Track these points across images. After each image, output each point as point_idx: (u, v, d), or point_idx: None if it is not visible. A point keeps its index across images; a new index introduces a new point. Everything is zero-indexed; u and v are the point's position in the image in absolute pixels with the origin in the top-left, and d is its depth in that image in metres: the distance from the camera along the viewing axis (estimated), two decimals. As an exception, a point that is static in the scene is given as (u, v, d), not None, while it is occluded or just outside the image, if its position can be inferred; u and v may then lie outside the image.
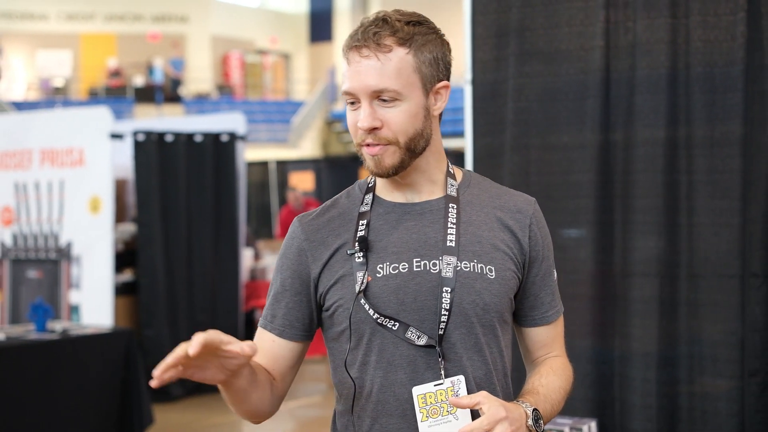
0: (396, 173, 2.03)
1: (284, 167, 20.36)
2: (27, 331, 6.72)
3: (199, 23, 34.12)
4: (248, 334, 10.33)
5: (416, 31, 2.01)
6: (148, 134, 9.04)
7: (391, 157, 2.01)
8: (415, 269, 2.02)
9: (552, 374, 2.12)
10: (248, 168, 19.15)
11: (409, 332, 2.00)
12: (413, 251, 2.03)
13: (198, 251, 9.32)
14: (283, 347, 2.13)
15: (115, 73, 32.59)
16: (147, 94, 31.29)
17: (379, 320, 2.01)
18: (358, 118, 2.00)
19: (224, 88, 33.84)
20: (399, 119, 1.99)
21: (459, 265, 2.02)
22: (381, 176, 2.04)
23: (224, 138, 9.49)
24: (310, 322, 2.13)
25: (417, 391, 2.00)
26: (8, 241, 8.87)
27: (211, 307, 9.41)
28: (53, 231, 8.64)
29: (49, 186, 8.66)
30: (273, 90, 35.96)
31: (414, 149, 2.02)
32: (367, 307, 2.01)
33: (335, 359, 2.11)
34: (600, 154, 3.89)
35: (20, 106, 28.47)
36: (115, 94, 31.37)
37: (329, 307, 2.08)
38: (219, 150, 9.45)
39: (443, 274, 2.01)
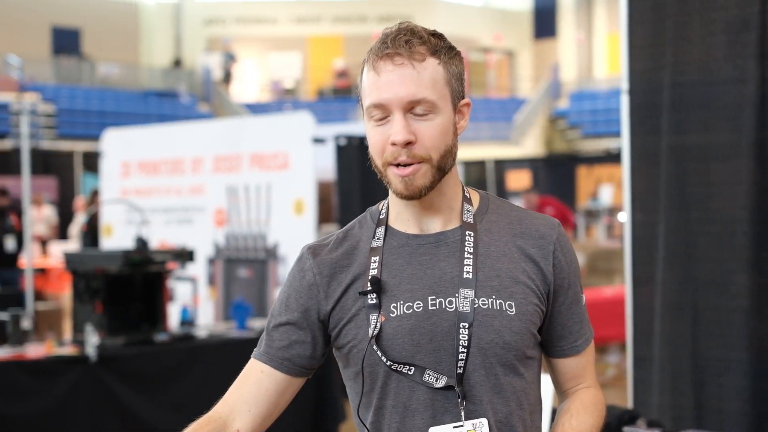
0: (425, 195, 1.89)
1: (501, 166, 20.37)
2: (229, 328, 7.09)
3: (423, 22, 34.04)
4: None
5: (442, 45, 1.92)
6: (349, 138, 9.30)
7: (423, 178, 1.87)
8: (430, 308, 1.90)
9: (583, 412, 1.99)
10: (465, 167, 19.38)
11: (426, 375, 1.89)
12: (428, 288, 1.91)
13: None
14: (272, 380, 2.01)
15: (342, 74, 33.42)
16: (373, 93, 31.91)
17: (393, 367, 1.90)
18: (388, 134, 1.86)
19: (450, 87, 34.14)
20: (433, 133, 1.86)
21: (477, 301, 1.88)
22: (410, 199, 1.89)
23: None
24: (308, 360, 2.02)
25: (443, 429, 1.89)
26: (221, 241, 9.32)
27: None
28: (261, 232, 9.03)
29: (258, 189, 9.05)
30: (497, 87, 36.00)
31: (444, 168, 1.89)
32: (379, 353, 1.90)
33: (353, 400, 2.01)
34: (758, 164, 3.80)
35: (253, 108, 29.60)
36: (342, 95, 32.19)
37: (343, 346, 1.98)
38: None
39: (460, 309, 1.88)
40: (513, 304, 1.90)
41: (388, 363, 1.90)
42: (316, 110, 30.25)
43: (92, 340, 6.10)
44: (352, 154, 9.28)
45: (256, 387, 2.01)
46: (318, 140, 8.94)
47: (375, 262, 1.95)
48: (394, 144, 1.85)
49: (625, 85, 4.11)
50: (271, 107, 29.50)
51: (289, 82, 33.78)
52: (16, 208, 11.93)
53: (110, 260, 6.43)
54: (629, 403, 4.18)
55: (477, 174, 20.38)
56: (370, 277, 1.93)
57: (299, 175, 8.86)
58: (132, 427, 6.14)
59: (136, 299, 6.61)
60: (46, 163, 21.69)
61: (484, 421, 1.88)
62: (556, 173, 19.70)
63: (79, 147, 21.82)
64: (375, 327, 1.90)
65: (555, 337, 2.02)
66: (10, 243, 11.79)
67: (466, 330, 1.87)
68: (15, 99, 24.74)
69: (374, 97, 1.88)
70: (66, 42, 32.05)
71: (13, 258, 11.92)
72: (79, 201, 16.04)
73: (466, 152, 25.08)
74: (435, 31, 1.96)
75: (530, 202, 12.97)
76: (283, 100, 32.18)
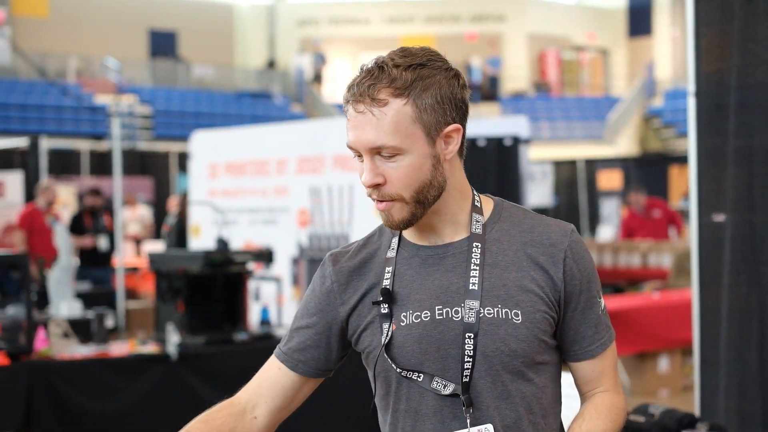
0: (408, 226, 1.96)
1: (592, 166, 20.20)
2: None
3: (516, 22, 34.40)
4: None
5: (417, 76, 1.90)
6: (432, 139, 9.35)
7: (400, 212, 1.93)
8: (437, 317, 1.96)
9: (596, 417, 2.01)
10: (556, 167, 19.24)
11: (435, 382, 1.95)
12: (435, 298, 1.97)
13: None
14: (287, 378, 2.12)
15: (439, 74, 33.44)
16: (464, 94, 31.91)
17: (402, 374, 1.98)
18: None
19: (541, 86, 33.96)
20: (401, 174, 1.90)
21: (482, 311, 1.93)
22: (395, 230, 1.99)
23: (507, 142, 9.64)
24: (323, 363, 2.11)
25: None
26: (305, 241, 9.43)
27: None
28: (344, 232, 9.11)
29: (341, 190, 9.14)
30: (590, 86, 35.67)
31: (424, 201, 1.93)
32: (390, 361, 1.98)
33: (375, 400, 2.11)
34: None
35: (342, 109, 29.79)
36: (435, 94, 32.21)
37: (362, 351, 2.07)
38: (502, 154, 9.60)
39: (465, 319, 1.93)
40: (519, 312, 1.93)
41: (398, 370, 1.98)
42: (408, 110, 30.35)
43: (173, 338, 6.25)
44: (434, 155, 9.34)
45: (273, 382, 2.13)
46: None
47: (388, 272, 2.02)
48: (365, 185, 1.93)
49: (691, 87, 4.08)
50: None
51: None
52: (110, 209, 12.21)
53: (192, 261, 6.58)
54: (696, 408, 4.14)
55: (567, 174, 20.25)
56: (381, 288, 2.00)
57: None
58: None
59: (217, 299, 6.74)
60: (142, 163, 22.17)
61: (490, 427, 1.93)
62: (648, 173, 19.45)
63: (175, 148, 22.22)
64: (386, 335, 1.98)
65: (568, 342, 2.04)
66: (103, 242, 12.07)
67: (472, 340, 1.92)
68: (113, 101, 25.30)
69: (347, 139, 1.94)
70: (162, 44, 32.66)
71: (106, 257, 12.19)
72: (173, 201, 16.34)
73: (557, 151, 24.93)
74: (421, 57, 1.93)
75: (638, 203, 12.70)
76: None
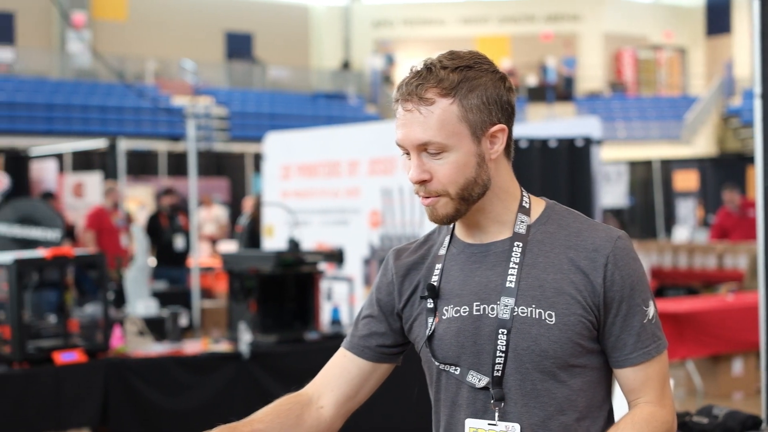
0: (452, 221, 2.04)
1: (668, 166, 19.98)
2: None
3: (591, 21, 34.16)
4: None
5: (463, 77, 1.97)
6: (503, 140, 9.36)
7: (444, 208, 2.00)
8: (474, 313, 2.03)
9: (630, 428, 1.99)
10: (630, 167, 19.08)
11: (470, 375, 2.03)
12: (474, 295, 2.04)
13: (552, 254, 9.50)
14: (354, 365, 2.20)
15: (509, 74, 33.20)
16: (539, 94, 31.81)
17: (440, 367, 2.07)
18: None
19: (616, 86, 33.68)
20: (447, 171, 1.97)
21: (516, 309, 1.98)
22: (439, 224, 2.06)
23: (579, 143, 9.59)
24: (388, 348, 2.20)
25: (470, 423, 2.04)
26: (376, 242, 9.50)
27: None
28: (415, 233, 9.16)
29: (411, 191, 9.16)
30: (668, 85, 35.28)
31: (468, 198, 2.00)
32: (430, 354, 2.08)
33: None
34: None
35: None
36: (509, 95, 32.14)
37: (413, 341, 2.17)
38: (574, 155, 9.56)
39: (500, 315, 1.99)
40: (553, 313, 1.97)
41: (437, 363, 2.08)
42: (483, 110, 30.34)
43: (246, 337, 6.36)
44: (506, 156, 9.34)
45: (339, 370, 2.21)
46: (471, 143, 9.01)
47: (437, 269, 2.12)
48: (412, 181, 2.02)
49: (758, 89, 4.05)
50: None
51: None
52: (185, 208, 12.40)
53: (264, 261, 6.68)
54: (762, 411, 4.12)
55: (643, 174, 20.07)
56: (427, 284, 2.10)
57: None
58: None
59: (288, 298, 6.83)
60: (218, 164, 22.47)
61: (517, 427, 1.99)
62: (726, 173, 19.16)
63: (250, 149, 22.46)
64: (429, 329, 2.08)
65: (610, 348, 2.05)
66: (179, 242, 12.27)
67: (504, 336, 1.99)
68: (189, 103, 25.64)
69: (395, 136, 2.02)
70: (239, 46, 33.01)
71: (181, 257, 12.39)
72: (248, 202, 16.53)
73: (633, 152, 24.70)
74: (468, 59, 2.01)
75: (733, 202, 12.37)
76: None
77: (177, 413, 6.06)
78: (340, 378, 2.21)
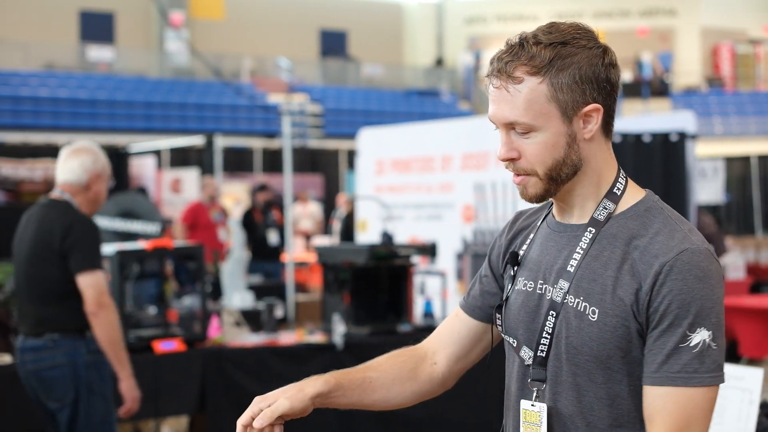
0: (543, 200, 1.99)
1: (766, 162, 19.64)
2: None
3: (687, 16, 33.67)
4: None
5: (556, 54, 1.89)
6: (596, 135, 9.33)
7: (534, 187, 1.96)
8: (537, 290, 2.01)
9: None
10: (728, 163, 18.79)
11: (523, 350, 2.02)
12: (541, 272, 2.01)
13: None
14: (464, 325, 2.20)
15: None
16: (634, 90, 31.46)
17: (503, 335, 2.09)
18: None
19: (714, 81, 33.13)
20: (535, 150, 1.92)
21: (568, 296, 1.94)
22: (530, 202, 2.02)
23: (674, 138, 9.51)
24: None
25: (524, 404, 2.02)
26: (469, 236, 9.54)
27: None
28: (508, 228, 9.19)
29: (504, 186, 9.20)
30: (766, 80, 34.59)
31: (557, 178, 1.94)
32: (498, 321, 2.10)
33: None
34: None
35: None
36: (604, 90, 31.87)
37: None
38: (668, 149, 9.49)
39: (553, 297, 1.96)
40: (597, 311, 1.90)
41: (502, 331, 2.09)
42: (577, 106, 30.14)
43: (339, 329, 6.47)
44: (599, 151, 9.31)
45: (450, 329, 2.23)
46: (563, 137, 9.00)
47: (529, 239, 2.10)
48: (500, 159, 1.98)
49: None
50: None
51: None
52: (280, 204, 12.58)
53: (357, 254, 6.78)
54: None
55: (740, 170, 19.77)
56: (510, 252, 2.11)
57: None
58: (377, 413, 6.46)
59: (381, 291, 6.92)
60: (313, 161, 22.70)
61: (544, 406, 1.97)
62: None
63: (344, 145, 22.65)
64: (504, 296, 2.09)
65: (642, 360, 1.93)
66: (272, 236, 12.46)
67: (553, 318, 1.96)
68: (285, 100, 25.93)
69: (488, 111, 1.98)
70: (333, 44, 33.28)
71: (275, 251, 12.57)
72: (341, 197, 16.69)
73: (730, 148, 24.31)
74: (566, 34, 1.92)
75: None
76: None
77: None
78: (452, 336, 2.22)
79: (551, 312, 1.96)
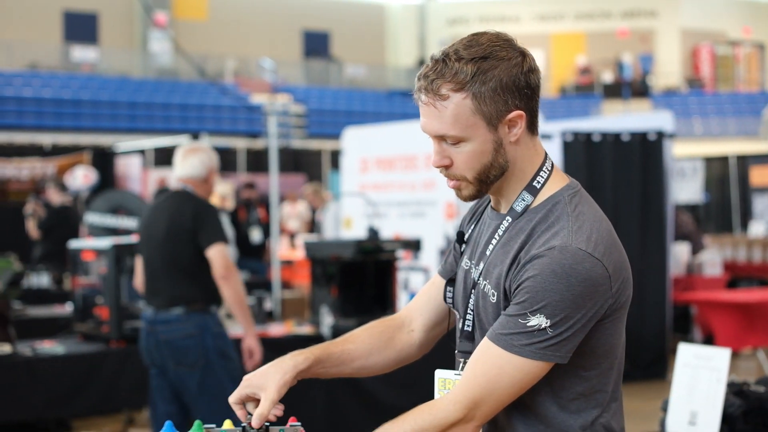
0: (476, 199, 2.16)
1: (745, 162, 19.91)
2: (454, 314, 7.51)
3: (668, 17, 34.03)
4: (679, 326, 10.51)
5: (477, 69, 2.01)
6: (576, 134, 9.55)
7: (466, 190, 2.11)
8: (468, 269, 2.19)
9: (401, 422, 2.04)
10: (707, 163, 19.07)
11: (459, 322, 2.20)
12: (475, 253, 2.18)
13: (625, 245, 9.59)
14: (439, 289, 2.34)
15: (584, 71, 33.36)
16: (615, 90, 31.77)
17: (451, 307, 2.28)
18: None
19: (693, 82, 33.48)
20: (464, 158, 2.06)
21: (480, 278, 2.13)
22: (466, 202, 2.17)
23: (651, 137, 9.74)
24: None
25: (439, 374, 2.19)
26: (451, 233, 9.74)
27: (638, 300, 9.70)
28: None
29: (486, 183, 9.42)
30: (746, 81, 34.97)
31: (486, 180, 2.09)
32: (449, 295, 2.26)
33: None
34: None
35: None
36: (584, 91, 32.18)
37: None
38: (646, 148, 9.71)
39: (474, 276, 2.15)
40: (495, 293, 2.09)
41: (451, 304, 2.26)
42: (558, 107, 30.46)
43: (327, 320, 6.66)
44: (579, 150, 9.52)
45: (428, 296, 2.39)
46: (544, 136, 9.22)
47: (477, 220, 2.28)
48: (434, 166, 2.11)
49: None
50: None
51: (532, 79, 34.03)
52: (266, 203, 12.76)
53: (344, 248, 6.97)
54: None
55: (719, 170, 20.03)
56: (458, 230, 2.31)
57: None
58: (363, 401, 6.67)
59: (368, 284, 7.11)
60: (296, 161, 22.85)
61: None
62: (804, 169, 19.09)
63: (327, 146, 22.83)
64: (455, 271, 2.27)
65: None
66: (255, 234, 12.63)
67: (474, 295, 2.15)
68: (268, 100, 26.11)
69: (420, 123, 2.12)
70: (316, 45, 33.49)
71: (258, 249, 12.72)
72: (326, 197, 16.86)
73: (710, 148, 24.60)
74: (482, 49, 2.03)
75: None
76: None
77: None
78: (429, 303, 2.37)
79: (472, 290, 2.15)
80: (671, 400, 3.70)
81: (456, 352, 2.18)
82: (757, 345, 8.95)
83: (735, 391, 3.73)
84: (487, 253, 2.12)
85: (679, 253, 10.90)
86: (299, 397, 6.54)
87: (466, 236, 2.27)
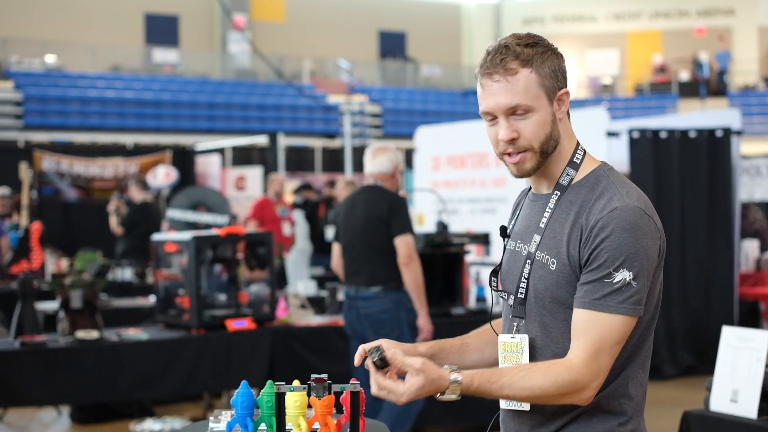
0: (534, 173, 2.39)
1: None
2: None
3: (745, 15, 33.71)
4: (747, 321, 10.56)
5: (535, 52, 2.33)
6: (643, 132, 9.68)
7: (530, 161, 2.35)
8: (517, 249, 2.45)
9: (525, 369, 2.28)
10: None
11: (510, 299, 2.44)
12: (520, 235, 2.45)
13: (691, 240, 9.77)
14: None
15: (661, 69, 33.18)
16: (691, 89, 31.55)
17: (497, 293, 2.52)
18: (498, 133, 2.35)
19: (772, 80, 33.13)
20: (532, 128, 2.33)
21: (537, 251, 2.37)
22: (522, 178, 2.41)
23: (719, 133, 9.82)
24: None
25: (504, 338, 2.43)
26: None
27: (704, 294, 9.81)
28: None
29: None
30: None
31: (546, 151, 2.36)
32: (494, 284, 2.52)
33: None
34: None
35: (569, 105, 29.98)
36: (660, 90, 31.99)
37: None
38: (713, 145, 9.80)
39: (530, 249, 2.39)
40: (555, 262, 2.34)
41: (497, 290, 2.53)
42: (634, 106, 30.35)
43: (397, 311, 6.91)
44: (646, 146, 9.66)
45: None
46: (612, 134, 9.38)
47: (517, 213, 2.56)
48: (503, 140, 2.35)
49: None
50: (589, 103, 29.82)
51: (606, 78, 33.93)
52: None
53: (415, 242, 7.21)
54: None
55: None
56: (501, 226, 2.56)
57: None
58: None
59: (437, 276, 7.34)
60: (372, 160, 23.11)
61: (525, 336, 2.39)
62: None
63: (403, 145, 23.02)
64: (499, 262, 2.55)
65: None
66: (330, 232, 12.92)
67: (529, 265, 2.39)
68: (345, 100, 26.46)
69: (483, 106, 2.38)
70: (392, 45, 33.78)
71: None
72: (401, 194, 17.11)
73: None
74: (532, 38, 2.36)
75: None
76: (601, 96, 32.40)
77: (334, 376, 6.64)
78: None
79: (528, 261, 2.39)
80: (715, 379, 3.91)
81: (510, 317, 2.42)
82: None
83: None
84: (542, 226, 2.37)
85: (749, 249, 10.95)
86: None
87: (509, 230, 2.53)
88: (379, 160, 6.39)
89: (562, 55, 2.40)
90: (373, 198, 6.29)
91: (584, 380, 2.25)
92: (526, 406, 2.38)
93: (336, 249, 6.59)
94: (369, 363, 2.27)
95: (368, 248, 6.27)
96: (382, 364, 2.26)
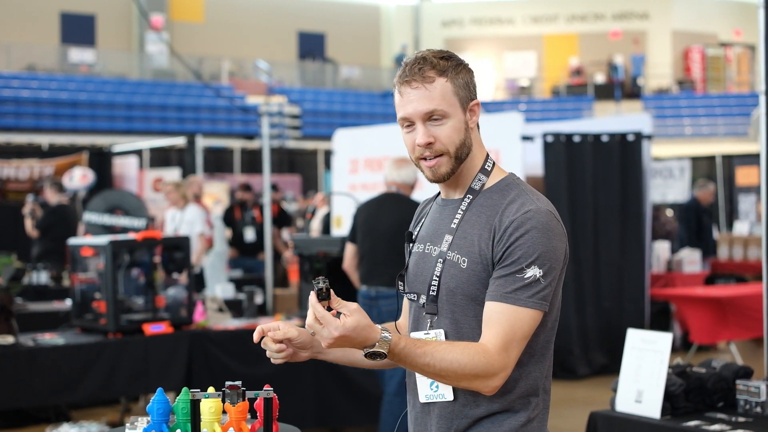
0: (449, 178, 2.51)
1: (731, 162, 20.23)
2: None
3: (660, 19, 34.36)
4: (658, 322, 10.80)
5: (450, 64, 2.48)
6: (557, 136, 9.86)
7: (445, 166, 2.48)
8: (426, 250, 2.55)
9: (442, 345, 2.39)
10: (694, 163, 19.37)
11: (421, 299, 2.54)
12: (429, 237, 2.56)
13: (604, 242, 9.97)
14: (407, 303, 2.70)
15: (577, 72, 33.68)
16: (607, 91, 32.09)
17: (405, 295, 2.62)
18: (415, 138, 2.47)
19: (684, 83, 33.80)
20: (448, 133, 2.47)
21: (448, 250, 2.48)
22: (438, 182, 2.53)
23: (630, 138, 10.04)
24: None
25: (415, 335, 2.51)
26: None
27: (617, 295, 10.02)
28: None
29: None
30: (736, 83, 35.30)
31: (460, 157, 2.49)
32: (401, 287, 2.63)
33: None
34: None
35: (487, 107, 30.24)
36: (576, 92, 32.48)
37: None
38: (625, 149, 10.02)
39: (441, 249, 2.50)
40: (466, 260, 2.46)
41: (404, 292, 2.63)
42: (551, 107, 30.78)
43: (314, 314, 6.97)
44: (560, 150, 9.84)
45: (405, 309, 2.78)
46: (526, 138, 9.54)
47: (422, 220, 2.68)
48: (420, 145, 2.47)
49: (762, 86, 4.55)
50: (506, 105, 30.16)
51: (524, 80, 34.35)
52: (260, 204, 13.05)
53: (331, 245, 7.31)
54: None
55: (706, 170, 20.35)
56: (406, 231, 2.69)
57: (509, 171, 9.46)
58: (351, 392, 7.00)
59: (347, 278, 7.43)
60: (291, 161, 23.17)
61: (442, 331, 2.49)
62: (788, 169, 19.36)
63: (322, 146, 23.13)
64: (405, 266, 2.65)
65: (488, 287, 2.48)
66: (249, 233, 12.92)
67: (441, 264, 2.49)
68: (263, 101, 26.42)
69: (401, 113, 2.51)
70: (311, 46, 33.80)
71: (253, 247, 13.01)
72: (319, 197, 17.17)
73: (701, 149, 24.93)
74: (445, 53, 2.51)
75: None
76: (518, 98, 32.79)
77: (252, 379, 6.67)
78: (405, 318, 2.75)
79: (439, 260, 2.50)
80: (620, 380, 4.04)
81: (424, 314, 2.52)
82: (731, 338, 9.28)
83: (678, 372, 4.07)
84: (453, 226, 2.50)
85: (660, 250, 11.20)
86: (288, 388, 6.88)
87: (414, 235, 2.64)
88: (405, 171, 6.78)
89: (472, 71, 2.55)
90: (403, 204, 6.65)
91: (496, 366, 2.35)
92: (449, 396, 2.47)
93: (350, 250, 6.82)
94: (312, 293, 2.32)
95: (396, 251, 6.27)
96: (325, 295, 2.30)
